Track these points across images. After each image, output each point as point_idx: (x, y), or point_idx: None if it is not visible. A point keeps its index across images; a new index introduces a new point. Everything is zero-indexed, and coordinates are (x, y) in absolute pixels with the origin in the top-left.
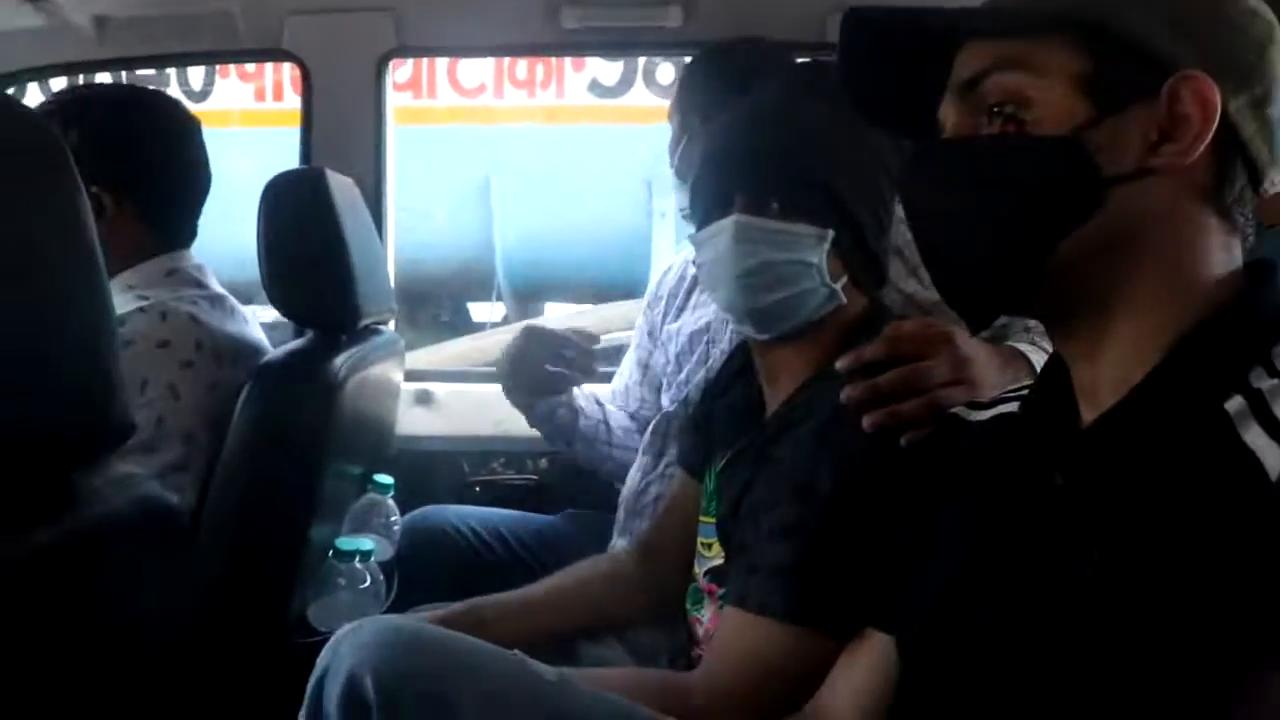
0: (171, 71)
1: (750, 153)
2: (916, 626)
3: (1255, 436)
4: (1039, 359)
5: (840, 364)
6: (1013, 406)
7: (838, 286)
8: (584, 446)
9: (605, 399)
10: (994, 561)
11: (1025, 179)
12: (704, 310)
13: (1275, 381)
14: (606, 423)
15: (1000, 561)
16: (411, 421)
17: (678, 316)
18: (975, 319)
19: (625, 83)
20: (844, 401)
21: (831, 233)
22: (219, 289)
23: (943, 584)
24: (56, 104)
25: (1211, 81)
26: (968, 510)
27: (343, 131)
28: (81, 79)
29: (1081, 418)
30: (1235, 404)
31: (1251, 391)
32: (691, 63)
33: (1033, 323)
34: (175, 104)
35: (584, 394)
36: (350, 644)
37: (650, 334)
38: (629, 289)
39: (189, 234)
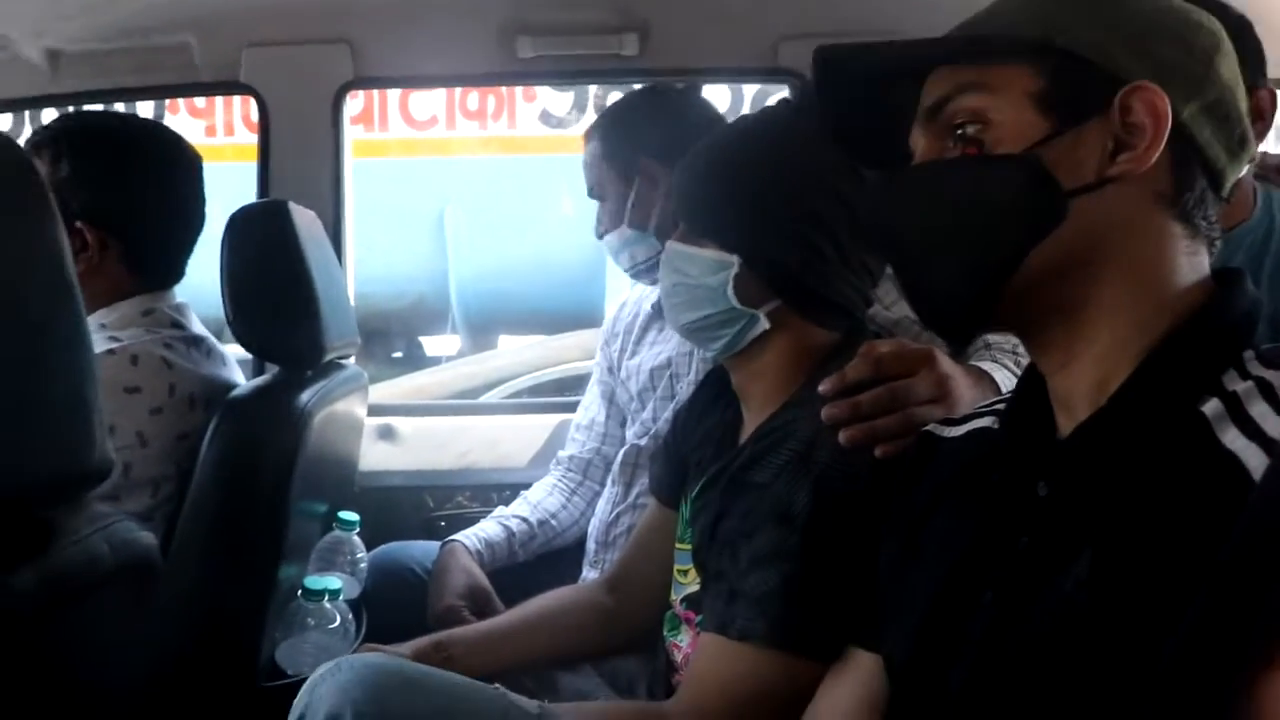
0: (119, 105)
1: (676, 184)
2: (908, 643)
3: (1233, 438)
4: (1002, 376)
5: (823, 387)
6: (986, 422)
7: (760, 312)
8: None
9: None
10: (983, 574)
11: (989, 198)
12: (663, 345)
13: (1249, 384)
14: (534, 529)
15: (990, 574)
16: (374, 457)
17: (635, 353)
18: (954, 338)
19: (576, 113)
20: (825, 421)
21: (737, 259)
22: (198, 329)
23: (932, 599)
24: (50, 133)
25: (1161, 91)
26: (951, 525)
27: (301, 164)
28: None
29: (1059, 427)
30: (1212, 407)
31: (1227, 394)
32: (608, 126)
33: (994, 338)
34: (176, 138)
35: (503, 522)
36: (330, 684)
37: (610, 370)
38: (585, 319)
39: (175, 275)
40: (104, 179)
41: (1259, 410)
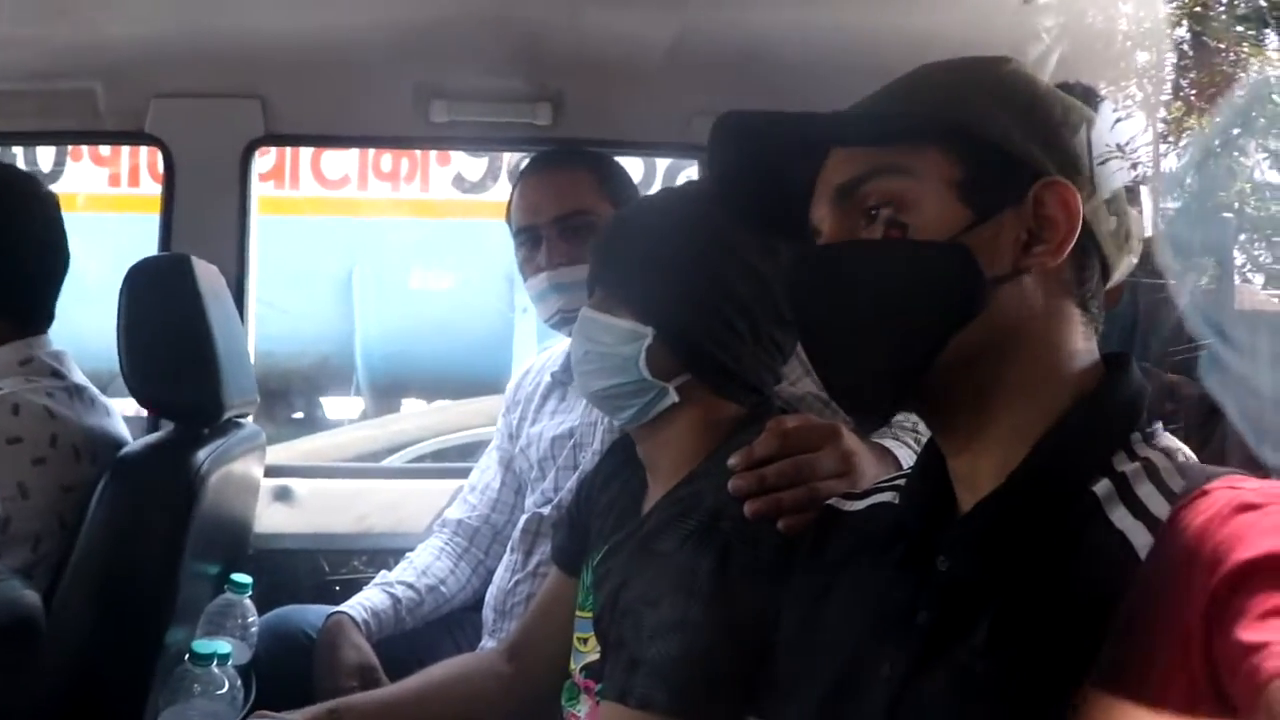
0: (18, 150)
1: (595, 251)
2: (808, 716)
3: (1122, 517)
4: (904, 454)
5: (732, 461)
6: (886, 496)
7: (670, 385)
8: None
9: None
10: (883, 648)
11: (917, 282)
12: (565, 415)
13: (1136, 465)
14: (422, 596)
15: (890, 648)
16: (270, 518)
17: (536, 420)
18: (868, 419)
19: (490, 178)
20: (732, 492)
21: (651, 330)
22: (79, 379)
23: (833, 672)
24: None
25: (1073, 187)
26: (851, 598)
27: (205, 219)
28: None
29: (960, 504)
30: (1102, 487)
31: (1116, 475)
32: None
33: (895, 417)
34: (27, 178)
35: (388, 590)
36: None
37: (510, 437)
38: (491, 385)
39: (45, 318)
40: None
41: (1145, 490)
